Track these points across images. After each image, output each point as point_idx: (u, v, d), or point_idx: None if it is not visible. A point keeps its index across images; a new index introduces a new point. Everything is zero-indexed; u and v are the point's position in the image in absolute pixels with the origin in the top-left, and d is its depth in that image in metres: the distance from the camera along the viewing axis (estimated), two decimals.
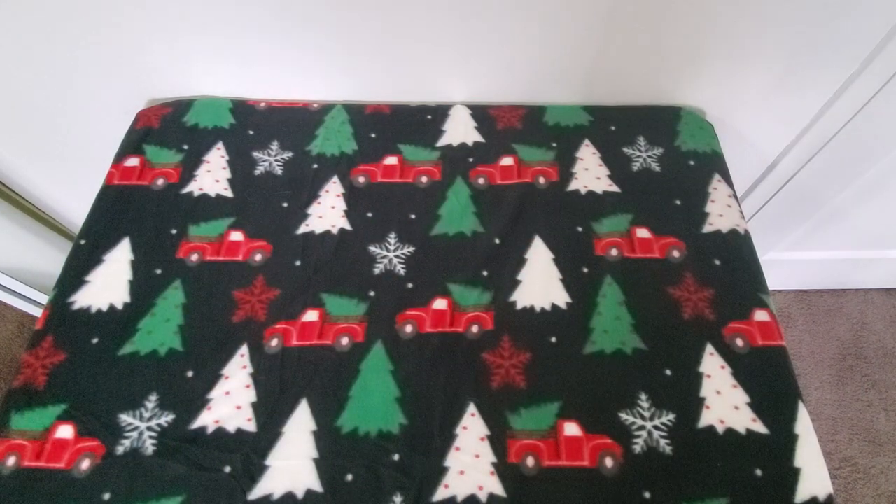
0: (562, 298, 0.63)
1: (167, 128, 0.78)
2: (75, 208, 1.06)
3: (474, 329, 0.61)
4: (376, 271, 0.66)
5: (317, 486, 0.53)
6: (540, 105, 0.81)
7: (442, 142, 0.77)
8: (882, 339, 1.27)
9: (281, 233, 0.69)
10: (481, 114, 0.80)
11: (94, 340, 0.60)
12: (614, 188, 0.72)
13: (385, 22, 0.70)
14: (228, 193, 0.72)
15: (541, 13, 0.68)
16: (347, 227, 0.69)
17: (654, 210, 0.70)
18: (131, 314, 0.62)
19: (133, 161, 0.74)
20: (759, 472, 0.52)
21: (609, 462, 0.53)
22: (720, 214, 0.69)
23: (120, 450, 0.54)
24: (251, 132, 0.78)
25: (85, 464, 0.53)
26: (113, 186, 0.72)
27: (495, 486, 0.52)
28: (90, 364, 0.59)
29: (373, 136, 0.78)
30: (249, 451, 0.54)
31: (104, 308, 0.63)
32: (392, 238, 0.68)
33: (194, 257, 0.66)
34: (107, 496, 0.52)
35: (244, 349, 0.60)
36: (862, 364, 1.24)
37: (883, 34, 0.68)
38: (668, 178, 0.73)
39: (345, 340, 0.61)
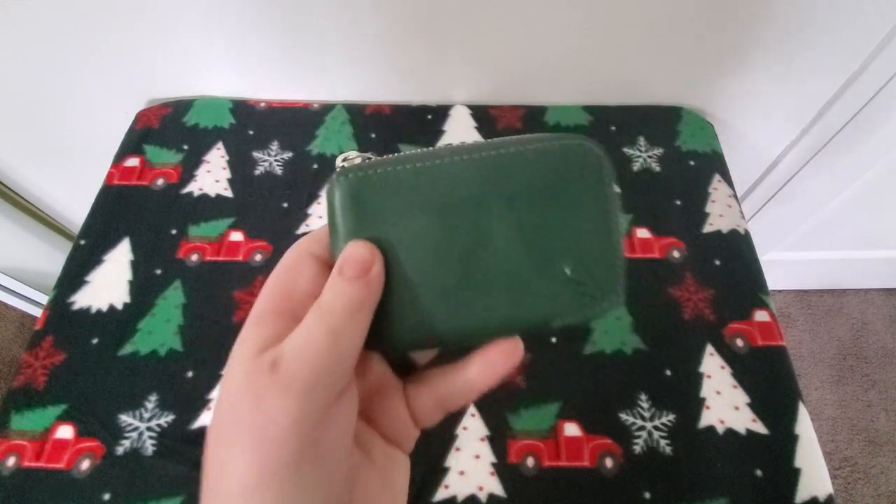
0: None
1: (167, 128, 0.78)
2: (75, 208, 1.06)
3: None
4: None
5: None
6: (540, 105, 0.81)
7: (442, 142, 0.77)
8: (882, 339, 1.27)
9: (281, 233, 0.69)
10: (482, 114, 0.80)
11: (94, 340, 0.60)
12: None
13: (385, 22, 0.70)
14: (228, 193, 0.72)
15: (541, 13, 0.68)
16: None
17: (654, 210, 0.69)
18: (131, 314, 0.62)
19: (133, 161, 0.74)
20: (759, 473, 0.52)
21: (609, 462, 0.53)
22: (720, 214, 0.69)
23: (120, 450, 0.54)
24: (251, 132, 0.78)
25: (85, 464, 0.53)
26: (113, 186, 0.72)
27: (495, 487, 0.52)
28: (90, 364, 0.59)
29: (373, 136, 0.78)
30: None
31: (104, 308, 0.63)
32: None
33: (194, 257, 0.66)
34: (107, 496, 0.52)
35: None
36: (862, 364, 1.24)
37: (883, 34, 0.68)
38: (668, 178, 0.73)
39: None
